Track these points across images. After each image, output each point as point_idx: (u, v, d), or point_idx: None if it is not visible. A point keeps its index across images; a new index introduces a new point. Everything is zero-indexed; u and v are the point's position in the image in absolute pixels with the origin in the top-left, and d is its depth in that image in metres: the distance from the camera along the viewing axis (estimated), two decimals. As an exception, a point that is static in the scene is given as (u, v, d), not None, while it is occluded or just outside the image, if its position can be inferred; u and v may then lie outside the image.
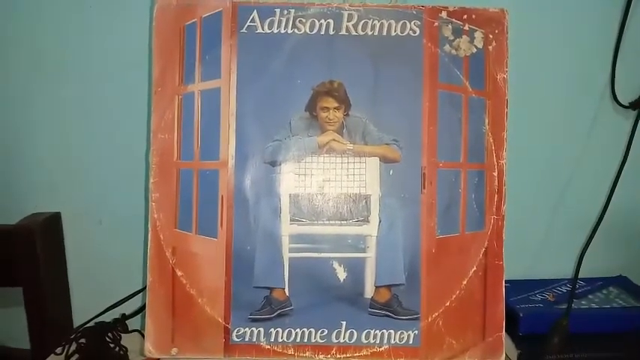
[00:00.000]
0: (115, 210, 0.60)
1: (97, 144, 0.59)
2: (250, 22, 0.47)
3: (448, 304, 0.46)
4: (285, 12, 0.47)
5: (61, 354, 0.51)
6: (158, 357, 0.46)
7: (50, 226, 0.59)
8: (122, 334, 0.53)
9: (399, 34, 0.48)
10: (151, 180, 0.47)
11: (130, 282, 0.55)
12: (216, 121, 0.47)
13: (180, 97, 0.47)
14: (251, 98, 0.47)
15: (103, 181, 0.59)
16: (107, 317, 0.53)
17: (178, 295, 0.46)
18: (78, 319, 0.60)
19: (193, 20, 0.47)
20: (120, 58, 0.56)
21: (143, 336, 0.52)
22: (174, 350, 0.46)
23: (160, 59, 0.47)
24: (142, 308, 0.54)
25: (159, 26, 0.47)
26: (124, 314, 0.53)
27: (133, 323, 0.54)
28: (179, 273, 0.46)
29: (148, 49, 0.49)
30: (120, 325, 0.53)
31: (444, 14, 0.48)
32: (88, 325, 0.53)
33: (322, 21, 0.47)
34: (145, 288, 0.54)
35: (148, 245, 0.46)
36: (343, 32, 0.48)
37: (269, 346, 0.46)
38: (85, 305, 0.59)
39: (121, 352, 0.51)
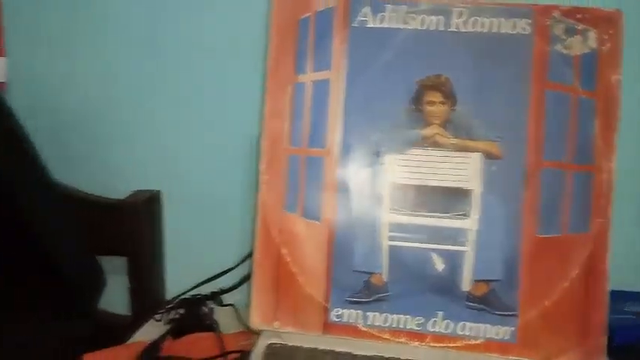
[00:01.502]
0: (215, 190, 0.63)
1: (204, 124, 0.62)
2: (362, 16, 0.49)
3: (547, 304, 0.46)
4: (397, 8, 0.49)
5: (160, 320, 0.55)
6: (259, 330, 0.49)
7: (152, 203, 0.63)
8: (215, 307, 0.56)
9: (509, 32, 0.48)
10: (262, 164, 0.49)
11: (220, 260, 0.58)
12: (324, 111, 0.49)
13: (292, 86, 0.50)
14: (359, 90, 0.49)
15: (205, 162, 0.63)
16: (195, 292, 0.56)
17: (282, 273, 0.48)
18: (169, 293, 0.64)
19: (308, 14, 0.50)
20: (236, 44, 0.59)
21: (236, 310, 0.55)
22: (276, 324, 0.48)
23: (275, 49, 0.50)
24: (238, 284, 0.57)
25: (276, 18, 0.50)
26: (222, 288, 0.57)
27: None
28: (283, 251, 0.48)
29: (265, 38, 0.52)
30: (216, 298, 0.56)
31: (556, 13, 0.48)
32: (184, 296, 0.56)
33: (432, 17, 0.48)
34: (237, 265, 0.57)
35: (257, 224, 0.49)
36: (452, 29, 0.48)
37: (366, 329, 0.47)
38: (176, 280, 0.63)
39: (213, 325, 0.54)
